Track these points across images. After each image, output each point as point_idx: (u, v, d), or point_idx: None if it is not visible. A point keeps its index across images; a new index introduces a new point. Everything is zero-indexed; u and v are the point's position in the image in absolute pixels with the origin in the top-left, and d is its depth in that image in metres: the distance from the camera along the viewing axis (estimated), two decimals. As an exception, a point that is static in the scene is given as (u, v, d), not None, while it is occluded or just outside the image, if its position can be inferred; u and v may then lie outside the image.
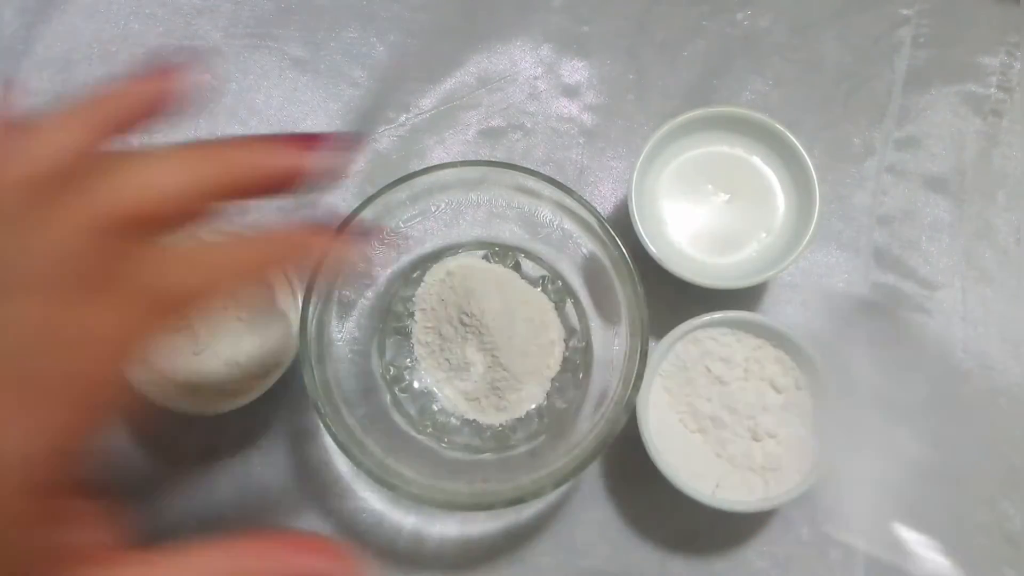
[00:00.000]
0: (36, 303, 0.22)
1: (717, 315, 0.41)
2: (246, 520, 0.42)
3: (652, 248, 0.41)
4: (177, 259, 0.23)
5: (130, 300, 0.23)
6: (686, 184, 0.44)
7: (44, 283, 0.22)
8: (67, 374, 0.22)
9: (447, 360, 0.41)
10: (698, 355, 0.41)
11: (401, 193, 0.39)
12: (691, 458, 0.39)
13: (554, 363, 0.42)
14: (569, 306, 0.43)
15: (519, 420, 0.42)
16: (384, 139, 0.48)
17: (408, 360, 0.42)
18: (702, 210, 0.44)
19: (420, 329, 0.42)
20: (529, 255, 0.44)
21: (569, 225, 0.41)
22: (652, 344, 0.39)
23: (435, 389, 0.42)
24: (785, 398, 0.40)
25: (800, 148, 0.43)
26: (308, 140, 0.26)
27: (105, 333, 0.22)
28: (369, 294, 0.43)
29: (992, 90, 0.50)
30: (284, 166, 0.25)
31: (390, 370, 0.42)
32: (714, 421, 0.39)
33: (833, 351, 0.46)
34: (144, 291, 0.23)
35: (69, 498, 0.23)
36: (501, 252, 0.44)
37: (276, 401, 0.43)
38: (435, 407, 0.42)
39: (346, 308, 0.41)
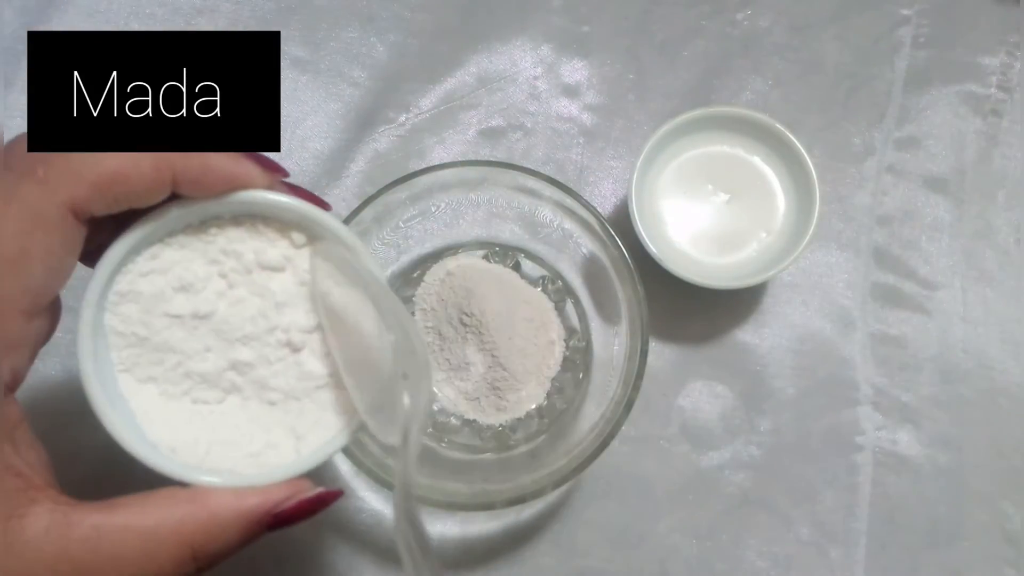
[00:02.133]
0: None
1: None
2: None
3: (652, 248, 0.41)
4: None
5: None
6: (686, 184, 0.44)
7: None
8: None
9: (447, 360, 0.41)
10: (148, 304, 0.27)
11: (401, 193, 0.39)
12: (217, 430, 0.28)
13: (554, 363, 0.42)
14: (569, 306, 0.43)
15: (519, 420, 0.42)
16: (384, 139, 0.48)
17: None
18: (702, 210, 0.44)
19: (420, 329, 0.42)
20: (529, 255, 0.44)
21: (569, 225, 0.41)
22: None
23: (435, 389, 0.42)
24: (291, 277, 0.29)
25: (800, 148, 0.43)
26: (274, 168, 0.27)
27: None
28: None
29: (992, 90, 0.50)
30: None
31: (390, 370, 0.42)
32: (233, 371, 0.28)
33: (833, 351, 0.46)
34: None
35: (16, 409, 0.23)
36: (501, 252, 0.44)
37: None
38: (435, 407, 0.42)
39: (346, 308, 0.41)
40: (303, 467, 0.27)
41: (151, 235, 0.27)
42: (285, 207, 0.28)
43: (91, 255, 0.26)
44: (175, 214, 0.26)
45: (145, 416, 0.27)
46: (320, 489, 0.26)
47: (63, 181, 0.23)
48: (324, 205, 0.28)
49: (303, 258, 0.29)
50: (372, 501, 0.42)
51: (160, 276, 0.27)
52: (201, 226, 0.28)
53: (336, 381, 0.28)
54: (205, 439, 0.27)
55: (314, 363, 0.28)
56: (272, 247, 0.28)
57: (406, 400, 0.26)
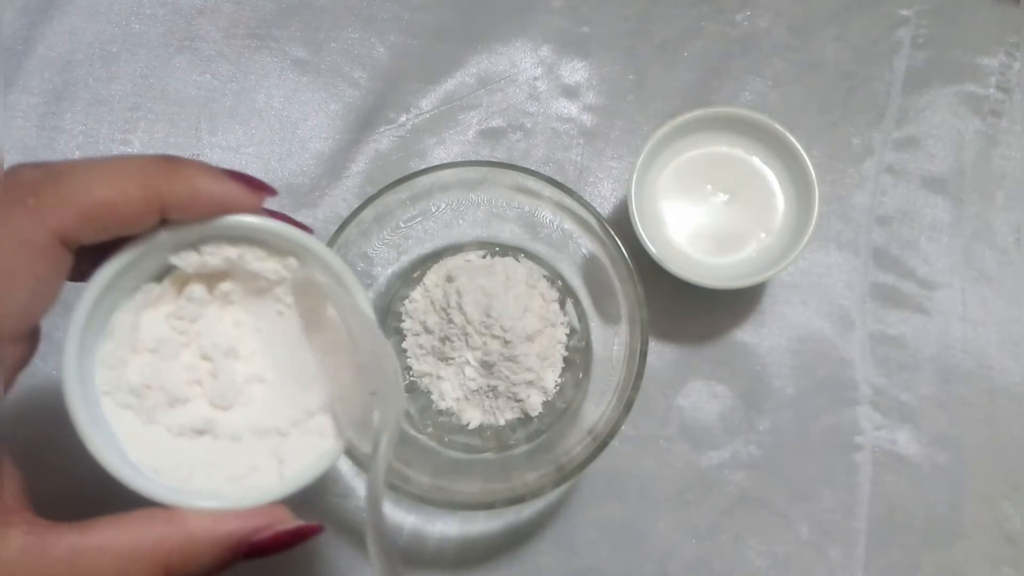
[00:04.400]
0: None
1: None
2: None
3: (652, 248, 0.41)
4: None
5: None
6: (686, 184, 0.45)
7: None
8: None
9: (447, 360, 0.41)
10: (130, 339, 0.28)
11: (401, 193, 0.39)
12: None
13: (554, 363, 0.42)
14: (569, 306, 0.43)
15: (519, 420, 0.42)
16: (384, 139, 0.48)
17: (408, 360, 0.42)
18: (702, 210, 0.44)
19: (391, 351, 0.42)
20: (529, 255, 0.44)
21: (569, 225, 0.41)
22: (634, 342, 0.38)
23: (435, 389, 0.42)
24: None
25: (800, 148, 0.43)
26: (260, 186, 0.27)
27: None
28: (369, 294, 0.43)
29: (991, 90, 0.50)
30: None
31: (390, 370, 0.42)
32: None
33: (832, 351, 0.46)
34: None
35: None
36: (501, 252, 0.44)
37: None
38: (435, 407, 0.42)
39: (346, 308, 0.41)
40: (286, 490, 0.26)
41: (139, 258, 0.26)
42: (274, 232, 0.27)
43: (84, 276, 0.26)
44: (164, 238, 0.26)
45: (127, 437, 0.26)
46: (299, 522, 0.26)
47: (52, 210, 0.23)
48: (306, 229, 0.28)
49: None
50: (372, 501, 0.42)
51: (156, 310, 0.28)
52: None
53: (320, 406, 0.28)
54: (188, 462, 0.27)
55: (305, 395, 0.28)
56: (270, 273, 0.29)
57: (376, 416, 0.27)
